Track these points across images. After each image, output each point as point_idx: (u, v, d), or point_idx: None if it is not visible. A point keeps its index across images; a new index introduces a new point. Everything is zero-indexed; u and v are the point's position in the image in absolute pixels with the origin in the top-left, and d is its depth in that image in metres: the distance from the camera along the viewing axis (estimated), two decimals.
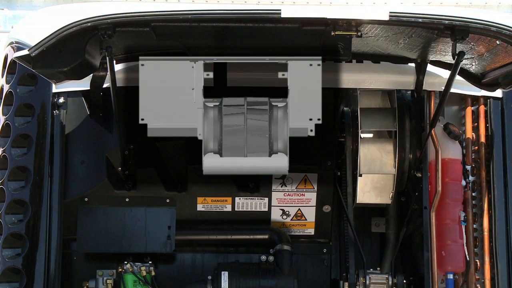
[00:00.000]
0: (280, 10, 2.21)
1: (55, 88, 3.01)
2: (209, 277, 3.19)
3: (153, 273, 3.17)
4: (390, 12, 2.22)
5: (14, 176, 2.87)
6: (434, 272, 2.87)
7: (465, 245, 2.93)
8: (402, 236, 3.11)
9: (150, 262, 3.22)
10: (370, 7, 2.69)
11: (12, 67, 2.97)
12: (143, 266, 3.11)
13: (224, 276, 3.18)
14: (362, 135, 3.13)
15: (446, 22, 2.26)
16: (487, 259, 2.84)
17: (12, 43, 2.94)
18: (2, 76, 3.06)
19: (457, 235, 2.92)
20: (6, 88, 3.01)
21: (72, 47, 2.45)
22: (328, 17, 2.26)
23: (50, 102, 3.04)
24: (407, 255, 3.17)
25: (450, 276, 2.92)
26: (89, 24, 2.24)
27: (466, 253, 2.92)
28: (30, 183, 2.88)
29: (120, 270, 3.11)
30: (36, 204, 2.88)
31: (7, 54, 3.02)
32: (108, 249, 3.15)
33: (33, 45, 2.30)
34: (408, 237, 3.17)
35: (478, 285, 2.85)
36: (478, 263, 2.93)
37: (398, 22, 2.34)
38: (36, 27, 2.80)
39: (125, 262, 3.12)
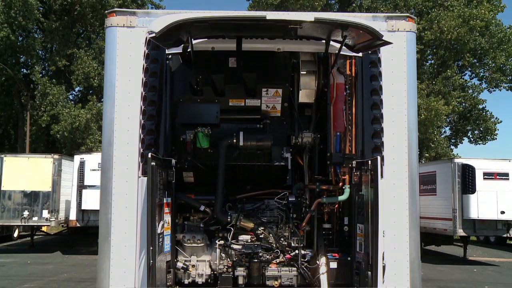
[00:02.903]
0: (266, 15, 4.02)
1: (167, 51, 5.19)
2: (234, 134, 5.47)
3: (210, 132, 5.43)
4: (315, 17, 4.04)
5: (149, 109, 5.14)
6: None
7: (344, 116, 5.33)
8: None
9: (209, 127, 5.42)
10: (306, 14, 4.38)
11: (149, 43, 5.15)
12: (206, 129, 5.40)
13: (241, 134, 5.47)
14: (302, 72, 5.51)
15: (339, 22, 4.30)
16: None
17: (150, 31, 4.52)
18: (144, 46, 5.17)
19: (343, 117, 5.43)
20: (146, 52, 5.17)
21: (174, 32, 4.28)
22: (287, 19, 4.14)
23: (165, 57, 5.22)
24: None
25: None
26: (181, 22, 4.16)
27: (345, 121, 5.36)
28: (157, 94, 5.18)
29: (195, 131, 5.38)
30: (160, 103, 5.18)
31: (147, 37, 5.06)
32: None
33: (157, 31, 4.12)
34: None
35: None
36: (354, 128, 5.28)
37: (318, 21, 4.19)
38: (159, 24, 4.61)
39: (198, 128, 5.39)
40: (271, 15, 4.09)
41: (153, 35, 4.20)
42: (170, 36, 4.44)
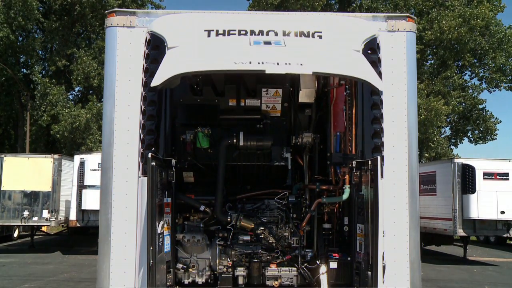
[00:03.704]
0: (265, 69, 3.78)
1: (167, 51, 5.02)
2: (234, 134, 5.49)
3: (210, 132, 5.51)
4: (313, 71, 3.95)
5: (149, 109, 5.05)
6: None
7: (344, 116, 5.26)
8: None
9: (209, 127, 5.49)
10: (305, 69, 4.00)
11: (149, 43, 4.99)
12: (206, 129, 5.46)
13: (241, 134, 5.49)
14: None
15: (337, 74, 4.64)
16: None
17: (149, 31, 5.01)
18: (144, 46, 5.08)
19: (343, 117, 5.34)
20: (146, 52, 5.06)
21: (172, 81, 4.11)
22: (286, 72, 3.86)
23: None
24: None
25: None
26: (181, 75, 4.05)
27: (345, 121, 5.29)
28: (157, 94, 5.03)
29: (196, 131, 5.46)
30: (160, 103, 5.07)
31: (147, 37, 5.07)
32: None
33: (159, 85, 3.89)
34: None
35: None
36: (354, 128, 5.17)
37: (317, 74, 4.70)
38: (160, 26, 4.98)
39: (198, 128, 5.47)
40: (271, 67, 3.84)
41: (154, 85, 4.06)
42: (171, 83, 4.43)
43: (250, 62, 3.91)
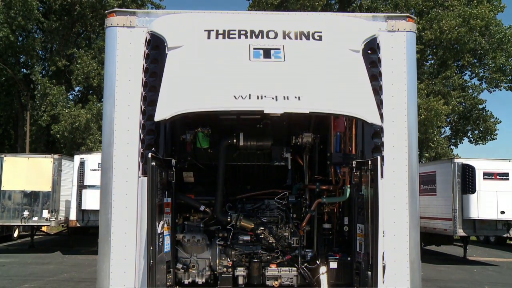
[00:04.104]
0: (264, 109, 3.89)
1: (167, 51, 4.82)
2: (234, 134, 5.49)
3: (210, 132, 5.52)
4: (310, 111, 4.01)
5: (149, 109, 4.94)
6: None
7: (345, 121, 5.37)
8: None
9: (209, 128, 5.52)
10: (302, 107, 4.03)
11: (149, 43, 5.02)
12: (206, 129, 5.49)
13: (241, 134, 5.49)
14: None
15: (332, 113, 4.55)
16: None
17: (150, 31, 5.04)
18: (144, 46, 5.07)
19: (343, 117, 5.22)
20: (146, 52, 5.14)
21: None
22: (283, 112, 3.95)
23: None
24: None
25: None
26: (188, 113, 4.07)
27: (345, 121, 5.29)
28: (157, 94, 4.48)
29: (196, 131, 5.47)
30: None
31: (147, 37, 5.08)
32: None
33: (167, 119, 3.96)
34: None
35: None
36: (354, 128, 5.17)
37: (313, 113, 4.18)
38: (160, 26, 4.99)
39: (198, 128, 5.49)
40: (269, 105, 3.94)
41: (158, 120, 4.13)
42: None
43: (250, 97, 4.00)
